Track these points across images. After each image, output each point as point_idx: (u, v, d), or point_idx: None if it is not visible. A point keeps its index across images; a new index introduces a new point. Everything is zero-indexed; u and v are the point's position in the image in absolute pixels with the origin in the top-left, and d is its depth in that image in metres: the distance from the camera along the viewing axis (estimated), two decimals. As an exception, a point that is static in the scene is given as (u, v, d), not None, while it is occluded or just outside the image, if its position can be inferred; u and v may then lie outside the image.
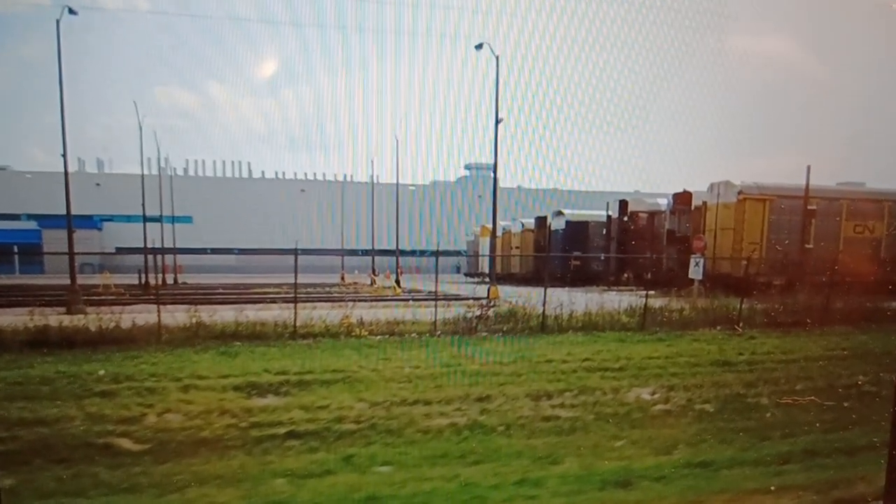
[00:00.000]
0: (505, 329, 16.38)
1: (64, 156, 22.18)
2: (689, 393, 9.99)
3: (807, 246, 25.62)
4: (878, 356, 12.79)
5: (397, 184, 43.92)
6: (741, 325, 17.13)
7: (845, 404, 9.33)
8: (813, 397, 9.59)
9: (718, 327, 17.10)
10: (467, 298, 21.38)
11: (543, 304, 17.07)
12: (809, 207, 25.61)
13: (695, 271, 21.91)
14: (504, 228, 42.46)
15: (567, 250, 35.74)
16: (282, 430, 7.82)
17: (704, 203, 28.16)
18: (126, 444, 7.36)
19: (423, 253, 49.80)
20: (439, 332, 15.75)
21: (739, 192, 26.01)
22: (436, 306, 16.48)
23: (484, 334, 15.85)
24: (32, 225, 56.49)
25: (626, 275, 31.10)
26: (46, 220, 52.80)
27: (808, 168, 25.52)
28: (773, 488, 6.20)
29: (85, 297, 20.39)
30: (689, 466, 6.84)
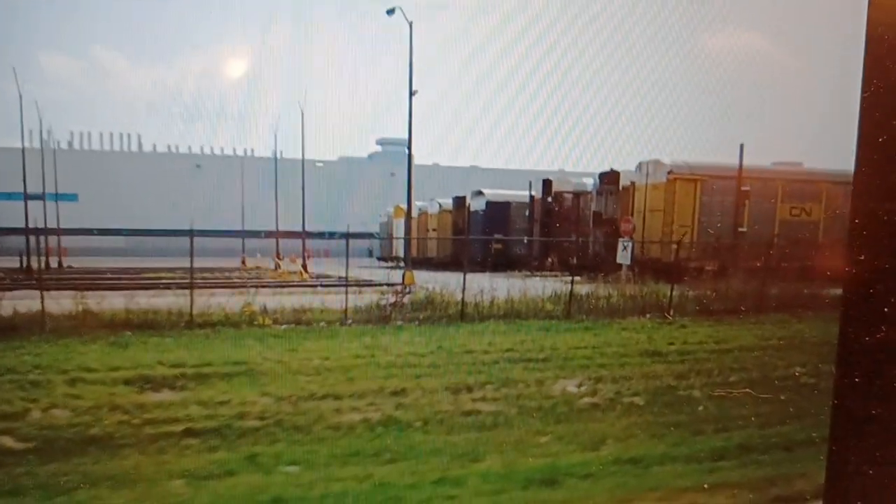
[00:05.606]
0: (421, 317, 16.33)
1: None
2: (618, 385, 10.15)
3: (740, 229, 26.28)
4: (815, 346, 13.21)
5: (303, 159, 43.21)
6: (672, 312, 17.53)
7: (782, 397, 9.61)
8: (748, 389, 9.86)
9: (648, 315, 17.45)
10: (381, 284, 21.31)
11: (463, 291, 17.09)
12: (743, 188, 26.21)
13: (623, 256, 22.31)
14: (420, 209, 42.34)
15: (487, 233, 35.90)
16: (178, 428, 7.73)
17: (633, 183, 28.45)
18: (8, 441, 7.26)
19: (332, 235, 49.30)
20: (350, 321, 15.55)
21: (669, 172, 26.32)
22: (346, 293, 16.32)
23: (399, 323, 15.77)
24: None
25: (550, 259, 31.47)
26: None
27: (742, 146, 25.96)
28: (706, 486, 6.30)
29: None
30: (618, 463, 6.93)
